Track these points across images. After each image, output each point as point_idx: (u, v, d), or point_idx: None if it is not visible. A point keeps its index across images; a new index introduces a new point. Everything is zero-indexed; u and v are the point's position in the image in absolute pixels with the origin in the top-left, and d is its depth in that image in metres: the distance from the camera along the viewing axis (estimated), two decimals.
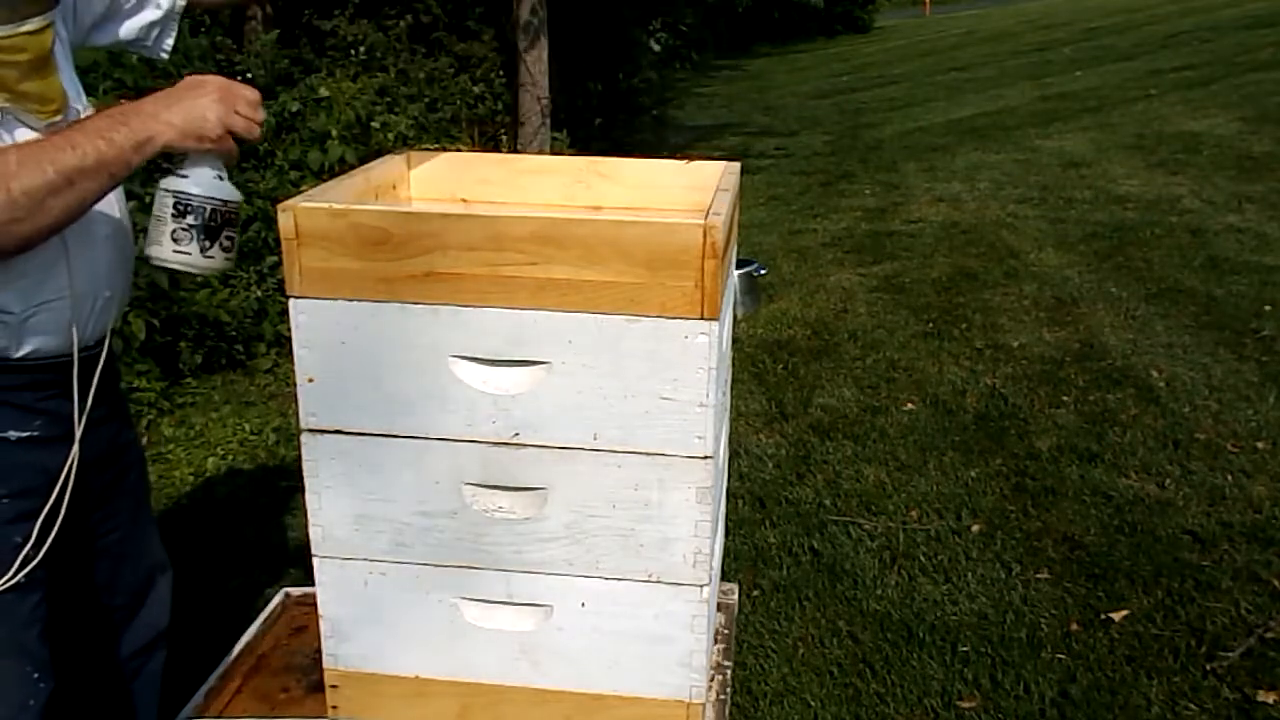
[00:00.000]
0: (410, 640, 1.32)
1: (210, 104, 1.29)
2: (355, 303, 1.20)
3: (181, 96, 1.30)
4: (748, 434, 3.67)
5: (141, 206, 2.31)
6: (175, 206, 1.32)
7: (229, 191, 1.35)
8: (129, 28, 1.55)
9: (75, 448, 1.42)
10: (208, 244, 1.33)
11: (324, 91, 5.45)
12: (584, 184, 1.59)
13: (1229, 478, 3.15)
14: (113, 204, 1.43)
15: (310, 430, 1.26)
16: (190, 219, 1.32)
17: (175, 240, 1.32)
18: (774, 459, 3.49)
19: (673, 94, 11.64)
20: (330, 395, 1.24)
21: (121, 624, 1.64)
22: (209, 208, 1.32)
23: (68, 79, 1.40)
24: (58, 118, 1.33)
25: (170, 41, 1.60)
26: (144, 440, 3.91)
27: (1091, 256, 5.38)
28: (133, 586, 1.65)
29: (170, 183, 1.33)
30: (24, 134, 1.29)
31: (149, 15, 1.56)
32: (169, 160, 1.34)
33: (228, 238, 1.36)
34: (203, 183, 1.33)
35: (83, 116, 1.35)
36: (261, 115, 1.34)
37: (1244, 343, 4.11)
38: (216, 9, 1.74)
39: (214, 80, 1.33)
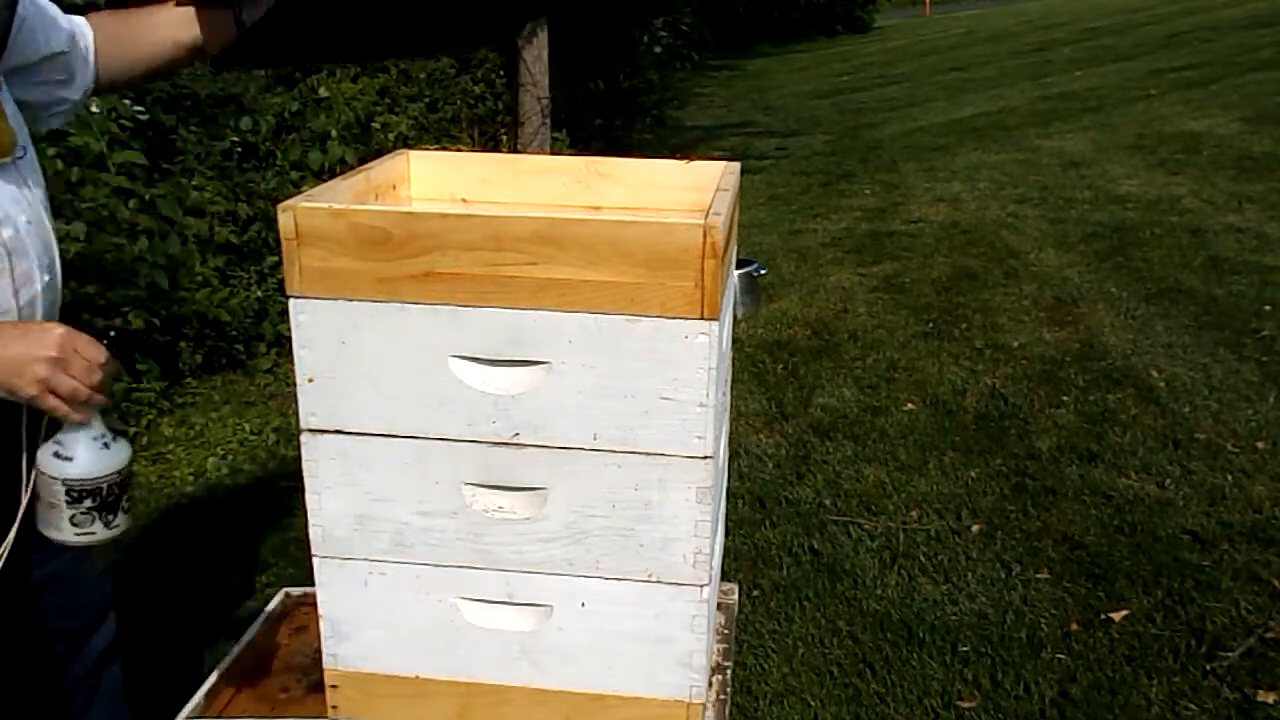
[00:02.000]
0: (410, 640, 1.32)
1: (37, 359, 1.16)
2: (355, 303, 1.20)
3: (9, 342, 1.17)
4: (748, 434, 3.67)
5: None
6: (68, 493, 1.21)
7: (117, 458, 1.24)
8: (45, 92, 1.44)
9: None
10: (110, 517, 1.25)
11: (324, 92, 5.46)
12: (584, 184, 1.59)
13: (1229, 478, 3.15)
14: (44, 219, 1.38)
15: (310, 430, 1.26)
16: (88, 503, 1.22)
17: (76, 525, 1.23)
18: (774, 459, 3.49)
19: (673, 94, 11.64)
20: (330, 395, 1.24)
21: (77, 645, 1.57)
22: (104, 486, 1.23)
23: (12, 118, 1.35)
24: (6, 159, 1.30)
25: (60, 124, 1.53)
26: (144, 440, 3.91)
27: (1091, 256, 5.38)
28: (96, 602, 1.59)
29: (50, 465, 1.21)
30: None
31: (66, 93, 1.47)
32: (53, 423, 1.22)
33: (128, 500, 1.26)
34: (88, 459, 1.22)
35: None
36: (96, 378, 1.18)
37: (1244, 343, 4.11)
38: (117, 90, 1.61)
39: (56, 332, 1.19)
